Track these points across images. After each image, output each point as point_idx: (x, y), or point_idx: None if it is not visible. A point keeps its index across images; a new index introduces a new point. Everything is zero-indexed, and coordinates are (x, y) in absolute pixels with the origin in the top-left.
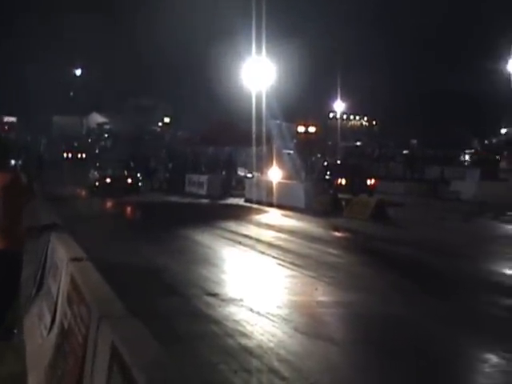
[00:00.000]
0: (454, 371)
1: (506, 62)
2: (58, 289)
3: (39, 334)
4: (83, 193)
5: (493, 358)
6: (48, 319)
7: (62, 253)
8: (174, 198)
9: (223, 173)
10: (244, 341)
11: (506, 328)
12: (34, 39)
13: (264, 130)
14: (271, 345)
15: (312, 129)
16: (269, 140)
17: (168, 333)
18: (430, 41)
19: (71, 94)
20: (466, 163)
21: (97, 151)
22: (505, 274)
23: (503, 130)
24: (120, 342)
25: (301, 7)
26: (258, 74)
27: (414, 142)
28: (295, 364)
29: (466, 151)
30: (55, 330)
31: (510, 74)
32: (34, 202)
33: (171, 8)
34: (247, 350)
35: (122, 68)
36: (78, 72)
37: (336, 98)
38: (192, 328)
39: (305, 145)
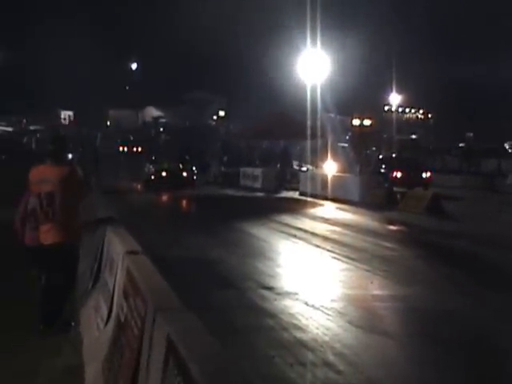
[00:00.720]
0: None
1: None
2: (115, 282)
3: (96, 327)
4: (139, 186)
5: None
6: (105, 312)
7: (118, 246)
8: (228, 192)
9: (278, 166)
10: (299, 334)
11: None
12: (90, 34)
13: (319, 123)
14: (326, 338)
15: (367, 122)
16: (323, 133)
17: (224, 325)
18: (484, 35)
19: (127, 87)
20: None
21: (152, 145)
22: None
23: None
24: (175, 334)
25: None
26: (312, 66)
27: (470, 134)
28: (350, 358)
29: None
30: (112, 322)
31: None
32: (91, 196)
33: (226, 1)
34: (302, 344)
35: (177, 62)
36: (134, 66)
37: (391, 91)
38: (247, 321)
39: (359, 138)
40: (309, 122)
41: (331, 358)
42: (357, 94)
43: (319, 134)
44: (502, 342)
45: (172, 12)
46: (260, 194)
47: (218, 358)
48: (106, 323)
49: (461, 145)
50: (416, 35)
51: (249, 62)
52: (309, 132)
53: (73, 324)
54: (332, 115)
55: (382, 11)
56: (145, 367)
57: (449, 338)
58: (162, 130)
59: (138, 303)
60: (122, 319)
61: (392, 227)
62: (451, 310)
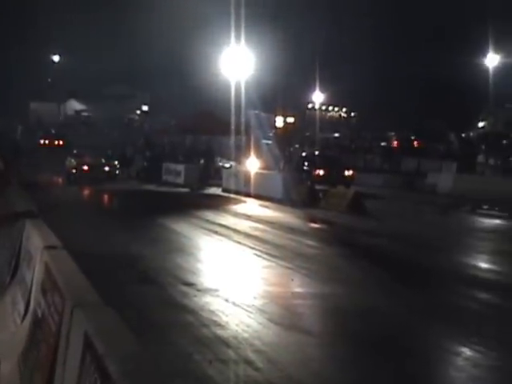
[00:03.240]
0: (428, 363)
1: (485, 56)
2: (33, 277)
3: (13, 322)
4: (60, 180)
5: (466, 351)
6: (22, 307)
7: (36, 240)
8: (150, 187)
9: (201, 162)
10: (219, 331)
11: (479, 321)
12: (10, 24)
13: (242, 119)
14: (246, 335)
15: (290, 119)
16: (247, 130)
17: (143, 321)
18: (408, 32)
19: (49, 80)
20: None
21: (74, 138)
22: (479, 268)
23: (480, 124)
24: (93, 331)
25: None
26: (236, 63)
27: (392, 133)
28: (270, 355)
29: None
30: (29, 318)
31: (488, 68)
32: (10, 189)
33: None
34: (222, 341)
35: (100, 55)
36: (56, 58)
37: (315, 89)
38: (167, 317)
39: (283, 135)
40: (233, 119)
41: (251, 355)
42: (281, 92)
43: (243, 130)
44: (420, 341)
45: (96, 5)
46: (182, 190)
47: (136, 356)
48: (23, 319)
49: (382, 144)
50: (341, 33)
51: (173, 57)
52: (233, 128)
53: None
54: (256, 112)
55: (307, 8)
56: (62, 364)
57: (368, 336)
58: (84, 123)
59: (56, 299)
60: (40, 315)
61: (314, 225)
62: (371, 308)
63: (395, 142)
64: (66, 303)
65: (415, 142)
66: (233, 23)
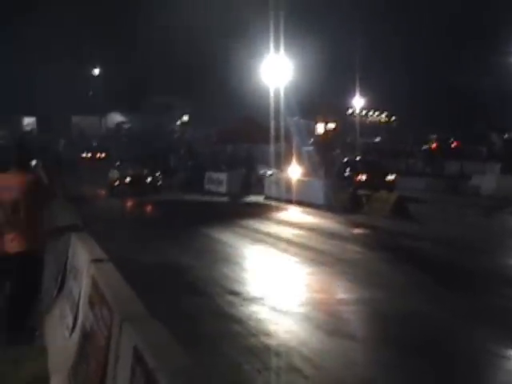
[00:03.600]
0: (476, 368)
1: None
2: (80, 290)
3: (61, 336)
4: (103, 193)
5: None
6: (70, 321)
7: (83, 254)
8: (194, 197)
9: (243, 170)
10: (267, 340)
11: None
12: (51, 39)
13: (282, 126)
14: (293, 343)
15: (331, 125)
16: (287, 137)
17: (191, 332)
18: (448, 35)
19: (90, 93)
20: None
21: (116, 151)
22: None
23: None
24: (143, 345)
25: (319, 3)
26: (276, 70)
27: (434, 136)
28: (317, 362)
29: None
30: (77, 331)
31: None
32: (56, 203)
33: (188, 5)
34: (270, 349)
35: (140, 67)
36: (97, 71)
37: (355, 94)
38: (216, 327)
39: (324, 141)
40: (272, 126)
41: (298, 362)
42: (320, 98)
43: (283, 137)
44: (466, 346)
45: (133, 17)
46: (225, 199)
47: (186, 369)
48: (72, 332)
49: (424, 147)
50: (380, 38)
51: (212, 66)
52: (272, 136)
53: (37, 333)
54: (296, 119)
55: (345, 14)
56: (111, 378)
57: (411, 341)
58: (125, 135)
59: (104, 312)
60: (88, 328)
61: (357, 230)
62: (414, 312)
63: (434, 145)
64: (114, 317)
65: (454, 143)
66: (272, 31)
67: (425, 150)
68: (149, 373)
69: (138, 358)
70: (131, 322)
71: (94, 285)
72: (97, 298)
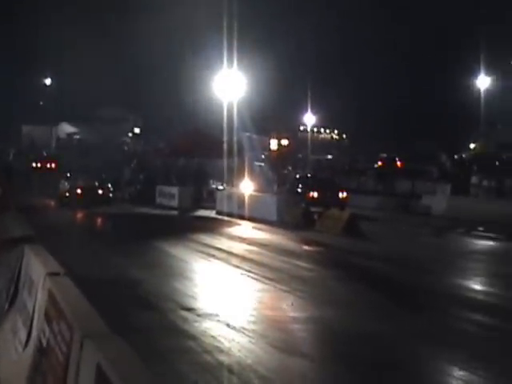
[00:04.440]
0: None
1: (476, 78)
2: (35, 304)
3: (14, 350)
4: (53, 203)
5: (467, 375)
6: (23, 335)
7: (38, 266)
8: (145, 210)
9: (194, 184)
10: (222, 357)
11: (477, 344)
12: (1, 48)
13: (235, 141)
14: (249, 361)
15: (285, 141)
16: (240, 152)
17: (145, 348)
18: (401, 55)
19: (41, 103)
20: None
21: (67, 161)
22: (475, 290)
23: (472, 145)
24: (106, 363)
25: (272, 20)
26: (229, 85)
27: (384, 155)
28: (274, 382)
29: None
30: (32, 346)
31: (479, 90)
32: (8, 213)
33: (142, 20)
34: (226, 367)
35: (92, 78)
36: (48, 81)
37: (306, 111)
38: (169, 343)
39: (277, 157)
40: (225, 141)
41: (255, 381)
42: (273, 114)
43: (236, 152)
44: (419, 365)
45: (85, 28)
46: (176, 213)
47: None
48: (25, 347)
49: (376, 165)
50: (333, 56)
51: (165, 80)
52: (225, 150)
53: None
54: (248, 134)
55: (298, 32)
56: None
57: (367, 360)
58: (76, 146)
59: (63, 327)
60: (44, 343)
61: (309, 248)
62: (367, 332)
63: (379, 163)
64: (74, 333)
65: (398, 163)
66: (225, 47)
67: (376, 168)
68: None
69: (101, 376)
70: (93, 339)
71: (51, 299)
72: (54, 312)
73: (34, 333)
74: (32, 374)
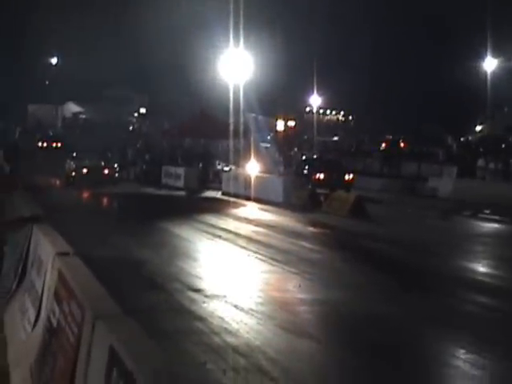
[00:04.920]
0: (435, 370)
1: (483, 60)
2: (44, 283)
3: (22, 330)
4: (59, 183)
5: (472, 357)
6: (32, 315)
7: (46, 246)
8: (150, 190)
9: (200, 165)
10: (230, 339)
11: (482, 325)
12: (7, 27)
13: (241, 122)
14: (257, 343)
15: (291, 123)
16: (246, 133)
17: (153, 329)
18: (406, 35)
19: (47, 82)
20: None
21: (72, 141)
22: (480, 272)
23: (478, 127)
24: (119, 345)
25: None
26: (235, 66)
27: (390, 137)
28: (283, 363)
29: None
30: (41, 326)
31: (485, 72)
32: (16, 193)
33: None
34: (234, 349)
35: (98, 58)
36: (54, 61)
37: (312, 92)
38: (178, 325)
39: (283, 139)
40: (231, 122)
41: (264, 363)
42: (279, 95)
43: (242, 133)
44: (425, 347)
45: (94, 8)
46: (182, 193)
47: (165, 371)
48: (34, 326)
49: (382, 147)
50: (338, 36)
51: (171, 59)
52: (231, 131)
53: None
54: (254, 115)
55: (305, 12)
56: (82, 376)
57: (375, 343)
58: (82, 125)
59: (74, 308)
60: (55, 324)
61: (316, 229)
62: (375, 314)
63: (383, 144)
64: (85, 313)
65: (402, 144)
66: (231, 26)
67: (381, 150)
68: (128, 374)
69: (114, 358)
70: (105, 320)
71: (61, 279)
72: (64, 292)
73: (44, 313)
74: (41, 355)
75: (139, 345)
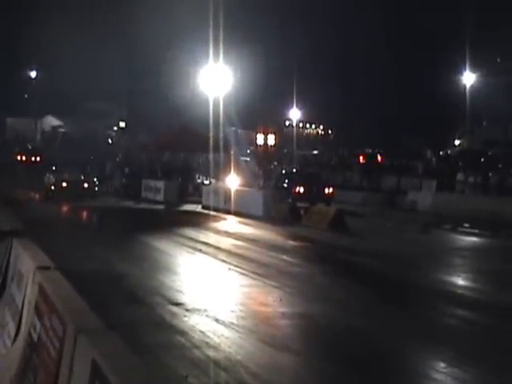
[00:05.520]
0: (415, 382)
1: (462, 74)
2: (24, 298)
3: (2, 344)
4: (38, 197)
5: (452, 370)
6: (12, 329)
7: (27, 260)
8: (130, 203)
9: (180, 179)
10: (212, 353)
11: (461, 338)
12: None
13: (221, 136)
14: (239, 357)
15: (271, 136)
16: (226, 147)
17: (134, 343)
18: (387, 51)
19: (25, 96)
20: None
21: (51, 154)
22: (459, 285)
23: (457, 141)
24: (102, 359)
25: (259, 14)
26: (215, 80)
27: (369, 151)
28: (265, 378)
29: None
30: (21, 340)
31: (464, 86)
32: None
33: (128, 12)
34: (216, 363)
35: (77, 71)
36: (33, 74)
37: (292, 106)
38: (159, 339)
39: (263, 152)
40: (211, 135)
41: (246, 377)
42: (258, 109)
43: (222, 147)
44: (401, 359)
45: (70, 21)
46: (162, 207)
47: None
48: (14, 341)
49: (362, 161)
50: (317, 50)
51: (150, 73)
52: (211, 145)
53: None
54: (234, 129)
55: (284, 27)
56: None
57: (355, 356)
58: (61, 139)
59: (55, 322)
60: (35, 338)
61: (297, 243)
62: (356, 328)
63: (361, 158)
64: (67, 327)
65: (379, 158)
66: (211, 40)
67: (362, 164)
68: None
69: (96, 372)
70: (87, 334)
71: (42, 293)
72: (45, 307)
73: (24, 327)
74: (22, 370)
75: (122, 359)
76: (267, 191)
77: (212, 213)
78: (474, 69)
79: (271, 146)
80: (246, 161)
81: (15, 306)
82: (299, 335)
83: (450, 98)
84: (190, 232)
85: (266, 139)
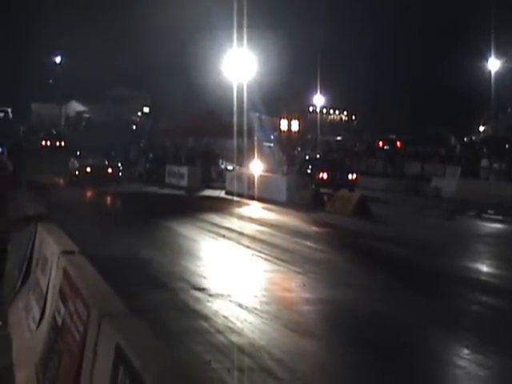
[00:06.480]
0: (439, 369)
1: (487, 61)
2: (48, 282)
3: (27, 328)
4: (63, 182)
5: (477, 358)
6: (37, 313)
7: (51, 245)
8: (154, 189)
9: (203, 164)
10: (235, 338)
11: (485, 325)
12: (12, 26)
13: (245, 122)
14: (262, 343)
15: (295, 122)
16: (250, 132)
17: (157, 328)
18: (410, 35)
19: (50, 81)
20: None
21: (76, 140)
22: (483, 272)
23: (481, 128)
24: (126, 343)
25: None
26: (239, 65)
27: (393, 137)
28: (288, 363)
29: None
30: (45, 324)
31: (489, 72)
32: (20, 191)
33: None
34: (239, 348)
35: (102, 57)
36: (58, 59)
37: (316, 92)
38: (182, 324)
39: (287, 138)
40: (235, 121)
41: (269, 363)
42: (282, 94)
43: (245, 132)
44: (425, 346)
45: (95, 7)
46: (186, 193)
47: (174, 369)
48: (39, 325)
49: (385, 147)
50: (342, 36)
51: (174, 58)
52: (235, 131)
53: (0, 323)
54: (258, 114)
55: (309, 11)
56: (87, 374)
57: (380, 343)
58: (85, 124)
59: (79, 306)
60: (60, 322)
61: (320, 229)
62: (380, 314)
63: (380, 143)
64: (91, 312)
65: (398, 143)
66: (235, 26)
67: (386, 149)
68: (135, 373)
69: (120, 357)
70: (111, 319)
71: (66, 277)
72: (70, 291)
73: (48, 311)
74: (47, 353)
75: (145, 343)
76: (291, 177)
77: (235, 198)
78: (498, 55)
79: (295, 131)
80: (270, 146)
81: (40, 291)
82: (322, 321)
83: (474, 84)
84: (214, 217)
85: (289, 125)
